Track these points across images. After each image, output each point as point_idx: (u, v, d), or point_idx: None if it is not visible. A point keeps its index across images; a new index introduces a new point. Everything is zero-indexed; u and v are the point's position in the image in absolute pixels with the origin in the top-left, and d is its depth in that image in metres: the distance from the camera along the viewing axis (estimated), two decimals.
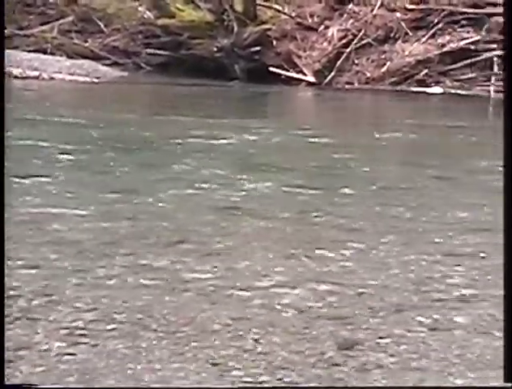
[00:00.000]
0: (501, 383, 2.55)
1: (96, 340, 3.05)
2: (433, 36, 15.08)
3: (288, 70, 15.65)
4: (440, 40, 14.95)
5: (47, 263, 3.96)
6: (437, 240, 4.67)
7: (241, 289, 3.69)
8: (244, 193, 5.80)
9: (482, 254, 4.40)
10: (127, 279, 3.77)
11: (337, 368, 2.89)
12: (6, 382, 2.62)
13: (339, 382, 2.78)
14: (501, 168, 7.11)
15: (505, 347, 2.69)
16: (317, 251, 4.37)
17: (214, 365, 2.86)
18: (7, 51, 15.54)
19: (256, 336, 3.14)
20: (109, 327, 3.18)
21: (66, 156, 6.96)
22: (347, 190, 5.97)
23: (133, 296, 3.53)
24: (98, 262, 4.02)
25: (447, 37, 14.94)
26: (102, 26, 18.13)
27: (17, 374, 2.75)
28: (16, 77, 14.98)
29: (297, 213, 5.26)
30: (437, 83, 14.76)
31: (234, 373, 2.81)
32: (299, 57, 15.66)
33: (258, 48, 16.18)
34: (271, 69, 15.67)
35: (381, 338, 3.17)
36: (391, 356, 3.00)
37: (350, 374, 2.84)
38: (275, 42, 16.16)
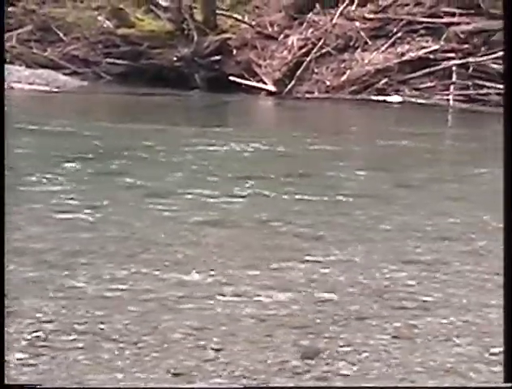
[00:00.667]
0: (501, 383, 2.55)
1: (57, 351, 3.02)
2: (392, 45, 15.19)
3: (248, 79, 15.67)
4: (399, 49, 15.06)
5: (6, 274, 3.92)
6: (398, 248, 4.70)
7: (202, 299, 3.69)
8: (203, 201, 5.79)
9: (443, 261, 4.43)
10: (88, 290, 3.74)
11: (299, 377, 2.89)
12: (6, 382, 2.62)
13: None
14: (463, 175, 7.21)
15: (505, 347, 2.70)
16: (278, 261, 4.37)
17: (175, 375, 2.85)
18: None
19: (217, 346, 3.14)
20: (70, 338, 3.16)
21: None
22: (307, 198, 5.99)
23: (94, 306, 3.51)
24: (59, 272, 3.99)
25: (406, 46, 15.06)
26: (61, 35, 18.03)
27: None
28: None
29: (260, 222, 5.26)
30: (397, 91, 14.85)
31: (196, 385, 2.80)
32: (259, 66, 15.70)
33: (218, 57, 16.20)
34: (232, 78, 15.69)
35: (342, 346, 3.18)
36: (353, 364, 3.01)
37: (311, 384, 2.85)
38: (235, 51, 16.19)
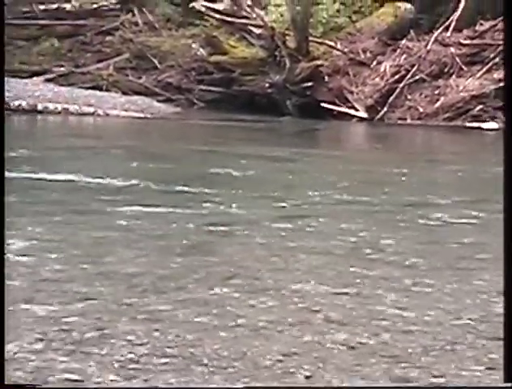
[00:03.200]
0: (501, 383, 2.49)
1: (149, 374, 3.05)
2: (488, 70, 14.98)
3: (339, 106, 15.65)
4: (495, 75, 14.84)
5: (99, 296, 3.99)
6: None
7: (291, 325, 3.68)
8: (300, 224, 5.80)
9: None
10: (179, 314, 3.78)
11: None
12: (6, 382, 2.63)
13: None
14: None
15: (505, 347, 2.64)
16: (372, 289, 4.34)
17: None
18: (64, 88, 15.82)
19: (307, 373, 3.12)
20: (162, 361, 3.18)
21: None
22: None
23: (185, 330, 3.54)
24: (150, 296, 4.04)
25: (503, 72, 14.83)
26: (156, 63, 18.34)
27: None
28: (72, 113, 15.21)
29: (352, 249, 5.23)
30: (493, 118, 14.63)
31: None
32: (351, 92, 15.67)
33: (309, 83, 16.23)
34: (323, 104, 15.69)
35: (434, 377, 3.13)
36: None
37: None
38: (327, 78, 16.20)
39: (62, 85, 17.01)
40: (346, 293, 4.23)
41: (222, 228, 5.76)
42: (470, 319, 3.86)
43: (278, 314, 3.84)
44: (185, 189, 7.40)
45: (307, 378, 3.08)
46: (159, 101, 16.97)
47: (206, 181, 8.03)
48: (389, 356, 3.35)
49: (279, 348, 3.38)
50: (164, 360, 3.20)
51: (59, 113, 15.09)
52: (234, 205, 6.59)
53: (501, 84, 14.60)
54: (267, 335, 3.53)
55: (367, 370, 3.18)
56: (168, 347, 3.34)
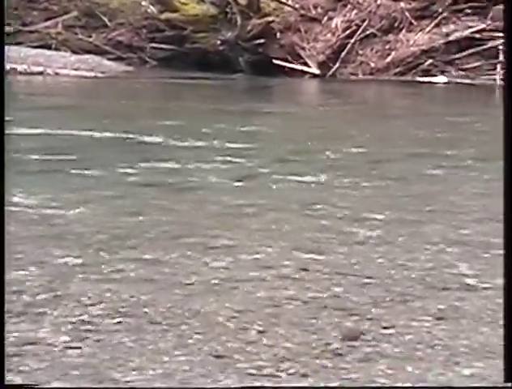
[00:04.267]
0: (501, 383, 2.53)
1: (101, 335, 3.05)
2: (437, 25, 15.04)
3: (291, 62, 15.62)
4: (445, 30, 14.90)
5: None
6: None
7: (244, 282, 3.70)
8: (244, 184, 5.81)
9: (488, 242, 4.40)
10: (131, 274, 3.78)
11: (341, 358, 2.89)
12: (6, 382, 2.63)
13: (342, 371, 2.78)
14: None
15: (505, 347, 2.68)
16: (321, 242, 4.37)
17: (218, 357, 2.86)
18: (12, 47, 15.56)
19: (260, 328, 3.15)
20: (114, 321, 3.18)
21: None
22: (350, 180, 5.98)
23: (138, 289, 3.54)
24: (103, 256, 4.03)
25: (452, 26, 14.90)
26: (106, 21, 18.11)
27: (23, 368, 2.76)
28: (21, 73, 14.99)
29: (302, 205, 5.26)
30: (442, 72, 14.72)
31: (238, 365, 2.81)
32: (303, 48, 15.63)
33: (261, 40, 16.15)
34: (275, 61, 15.65)
35: (385, 328, 3.17)
36: (396, 346, 3.00)
37: (354, 365, 2.84)
38: (278, 34, 16.13)
39: (9, 44, 16.73)
40: (298, 249, 4.26)
41: (172, 185, 5.76)
42: (420, 271, 3.91)
43: (231, 272, 3.85)
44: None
45: (260, 332, 3.11)
46: (109, 60, 16.77)
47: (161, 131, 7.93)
48: (340, 309, 3.39)
49: (233, 305, 3.40)
50: (116, 320, 3.20)
51: (7, 72, 14.86)
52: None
53: (450, 38, 14.67)
54: (220, 293, 3.55)
55: (319, 324, 3.21)
56: (121, 307, 3.34)
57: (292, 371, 2.77)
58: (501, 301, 3.48)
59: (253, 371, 2.77)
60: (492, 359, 2.90)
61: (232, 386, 2.58)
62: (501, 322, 3.21)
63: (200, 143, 7.64)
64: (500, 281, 3.71)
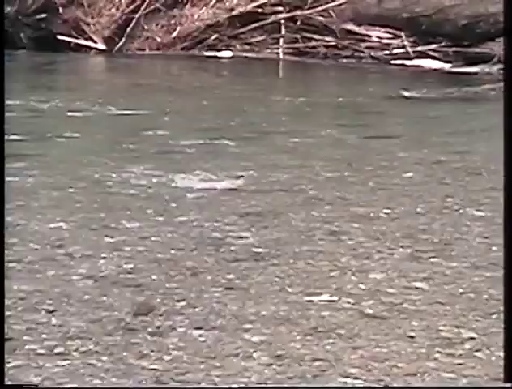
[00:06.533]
0: (501, 383, 2.60)
1: None
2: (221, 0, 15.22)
3: (76, 38, 15.34)
4: (228, 4, 15.11)
5: None
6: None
7: (31, 263, 3.63)
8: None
9: (276, 212, 4.52)
10: None
11: (133, 333, 2.90)
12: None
13: (134, 346, 2.79)
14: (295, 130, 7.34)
15: (505, 347, 2.74)
16: (112, 220, 4.35)
17: (6, 340, 2.79)
18: None
19: (50, 308, 3.10)
20: None
21: None
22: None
23: None
24: None
25: (235, 1, 15.11)
26: None
27: None
28: None
29: (93, 183, 5.21)
30: (228, 46, 14.92)
31: (27, 347, 2.76)
32: (87, 24, 15.39)
33: (43, 15, 15.74)
34: (60, 37, 15.32)
35: (177, 301, 3.21)
36: (187, 318, 3.04)
37: (147, 339, 2.86)
38: (61, 9, 15.78)
39: None
40: (85, 226, 4.22)
41: None
42: (210, 245, 3.98)
43: (19, 253, 3.77)
44: None
45: (50, 312, 3.06)
46: None
47: None
48: (133, 285, 3.39)
49: (21, 286, 3.33)
50: None
51: None
52: None
53: (234, 13, 14.87)
54: (8, 275, 3.46)
55: (110, 301, 3.20)
56: None
57: (83, 349, 2.75)
58: (287, 268, 3.61)
59: (43, 351, 2.73)
60: (280, 325, 2.99)
61: (233, 386, 2.54)
62: (289, 289, 3.34)
63: None
64: (289, 249, 3.85)
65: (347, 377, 2.59)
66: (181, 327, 2.96)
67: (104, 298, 3.22)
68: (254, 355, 2.74)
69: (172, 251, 3.83)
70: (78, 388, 2.53)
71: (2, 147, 3.19)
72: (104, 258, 3.72)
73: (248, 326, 2.98)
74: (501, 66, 11.96)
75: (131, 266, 3.63)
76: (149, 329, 2.93)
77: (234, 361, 2.69)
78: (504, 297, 2.91)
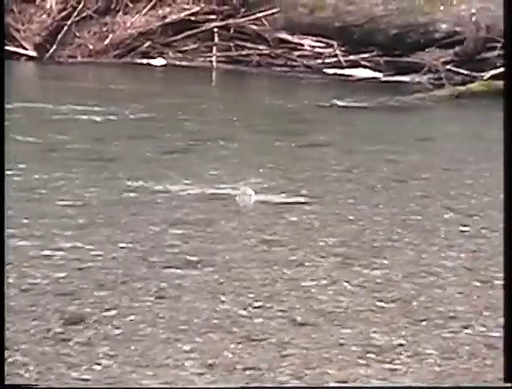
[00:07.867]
0: (501, 383, 2.59)
1: None
2: (153, 7, 15.15)
3: (7, 44, 15.12)
4: (160, 12, 15.05)
5: None
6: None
7: None
8: None
9: (208, 221, 4.51)
10: None
11: (63, 344, 2.86)
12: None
13: (64, 356, 2.75)
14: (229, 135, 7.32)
15: (505, 347, 2.73)
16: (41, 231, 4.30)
17: None
18: None
19: None
20: None
21: None
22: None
23: None
24: None
25: (168, 9, 15.06)
26: None
27: None
28: None
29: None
30: (161, 54, 14.86)
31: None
32: (17, 30, 15.20)
33: None
34: None
35: (106, 310, 3.17)
36: (117, 328, 3.01)
37: (76, 349, 2.82)
38: None
39: None
40: (14, 236, 4.15)
41: None
42: (143, 251, 3.95)
43: None
44: None
45: None
46: None
47: None
48: (63, 294, 3.35)
49: None
50: None
51: None
52: None
53: (167, 20, 14.83)
54: None
55: (40, 311, 3.16)
56: None
57: (10, 360, 2.71)
58: (217, 276, 3.60)
59: None
60: (211, 333, 2.98)
61: (233, 386, 2.49)
62: (222, 297, 3.33)
63: None
64: (218, 258, 3.84)
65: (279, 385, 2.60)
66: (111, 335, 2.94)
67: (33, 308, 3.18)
68: (186, 364, 2.72)
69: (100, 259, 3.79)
70: (79, 388, 2.50)
71: (2, 147, 3.13)
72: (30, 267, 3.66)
73: (179, 335, 2.97)
74: (431, 75, 12.12)
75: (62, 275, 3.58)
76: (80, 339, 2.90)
77: (166, 370, 2.68)
78: (504, 296, 2.91)
